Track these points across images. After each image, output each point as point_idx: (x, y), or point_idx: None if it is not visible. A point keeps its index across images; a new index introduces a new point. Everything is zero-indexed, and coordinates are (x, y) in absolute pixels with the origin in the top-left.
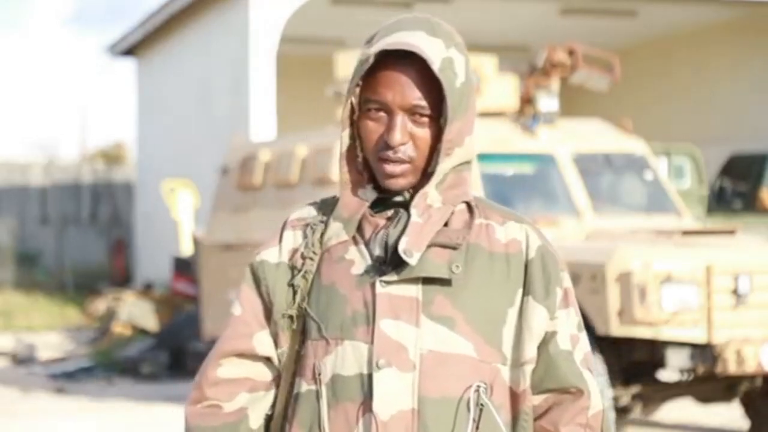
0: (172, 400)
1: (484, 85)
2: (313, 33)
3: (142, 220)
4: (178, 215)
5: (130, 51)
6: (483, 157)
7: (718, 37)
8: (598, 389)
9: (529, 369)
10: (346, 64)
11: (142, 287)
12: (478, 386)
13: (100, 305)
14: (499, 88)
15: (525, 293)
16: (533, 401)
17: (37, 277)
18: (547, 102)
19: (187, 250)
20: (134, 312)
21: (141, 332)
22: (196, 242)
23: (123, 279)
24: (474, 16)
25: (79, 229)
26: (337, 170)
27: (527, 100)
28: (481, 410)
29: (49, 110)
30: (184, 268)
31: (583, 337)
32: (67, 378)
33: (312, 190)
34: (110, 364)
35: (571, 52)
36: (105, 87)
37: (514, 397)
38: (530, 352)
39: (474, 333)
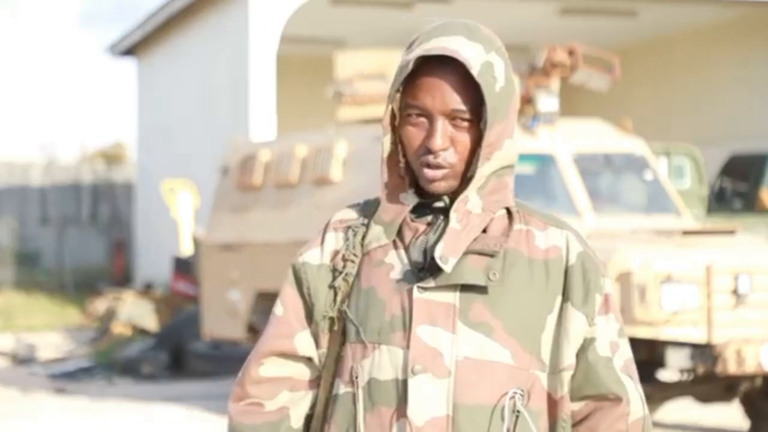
0: (172, 400)
1: None
2: (313, 33)
3: (142, 220)
4: (178, 215)
5: (130, 51)
6: None
7: (718, 37)
8: (639, 396)
9: (567, 376)
10: (346, 64)
11: (142, 287)
12: (514, 393)
13: (100, 305)
14: None
15: (564, 300)
16: (572, 408)
17: (37, 277)
18: (547, 102)
19: (187, 250)
20: (134, 312)
21: (141, 332)
22: (196, 242)
23: (123, 279)
24: (474, 16)
25: (79, 229)
26: (336, 171)
27: (527, 100)
28: (517, 417)
29: (49, 110)
30: (184, 268)
31: (624, 343)
32: (67, 378)
33: (312, 190)
34: (110, 364)
35: (571, 52)
36: (105, 87)
37: (552, 404)
38: (569, 358)
39: (512, 340)
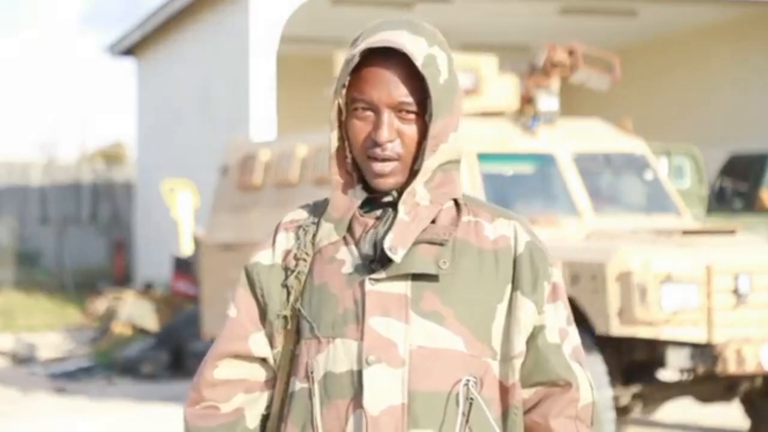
0: (172, 400)
1: (484, 85)
2: (313, 33)
3: (142, 220)
4: (178, 215)
5: (130, 51)
6: (483, 157)
7: (718, 37)
8: (588, 382)
9: (518, 363)
10: None
11: (142, 287)
12: (468, 380)
13: (100, 305)
14: (499, 88)
15: (513, 288)
16: (523, 395)
17: (37, 277)
18: (547, 102)
19: (187, 250)
20: (134, 312)
21: (141, 332)
22: (196, 242)
23: (123, 279)
24: (474, 16)
25: (79, 229)
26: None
27: (527, 100)
28: (470, 404)
29: (49, 110)
30: (184, 268)
31: (573, 330)
32: (67, 378)
33: (312, 189)
34: (110, 364)
35: (571, 52)
36: (105, 87)
37: (504, 391)
38: (519, 346)
39: (463, 328)
